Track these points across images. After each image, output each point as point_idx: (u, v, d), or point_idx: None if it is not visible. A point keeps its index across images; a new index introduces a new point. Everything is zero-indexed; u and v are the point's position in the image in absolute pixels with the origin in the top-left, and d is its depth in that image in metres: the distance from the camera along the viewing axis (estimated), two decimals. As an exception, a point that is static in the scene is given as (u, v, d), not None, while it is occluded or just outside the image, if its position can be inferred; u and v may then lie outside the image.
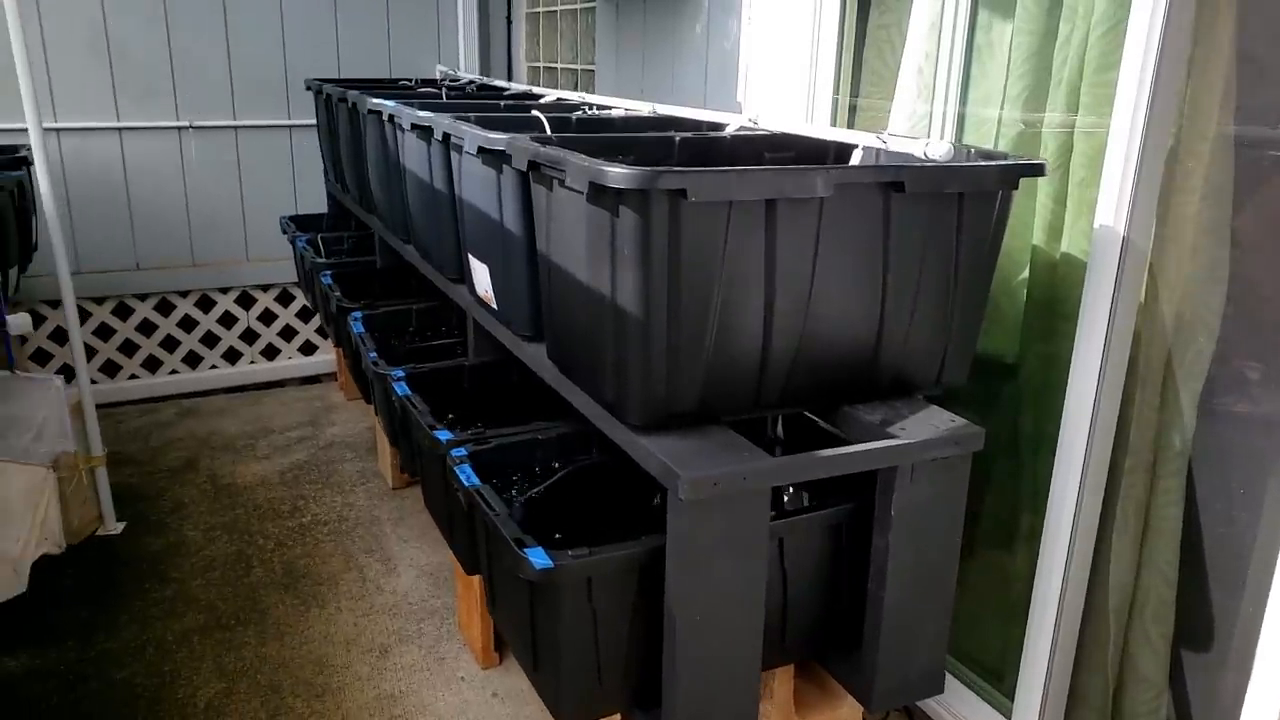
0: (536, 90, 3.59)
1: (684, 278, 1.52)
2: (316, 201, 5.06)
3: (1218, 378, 1.93)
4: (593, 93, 4.33)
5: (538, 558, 1.55)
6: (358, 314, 3.10)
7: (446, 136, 2.30)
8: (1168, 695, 2.04)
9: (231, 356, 5.22)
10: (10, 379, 2.95)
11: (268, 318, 5.27)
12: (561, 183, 1.66)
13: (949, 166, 1.65)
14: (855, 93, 2.81)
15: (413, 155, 2.69)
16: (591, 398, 1.79)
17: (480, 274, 2.30)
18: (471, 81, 4.41)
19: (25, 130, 4.14)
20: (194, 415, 4.81)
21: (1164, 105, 1.78)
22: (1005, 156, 1.81)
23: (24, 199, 3.65)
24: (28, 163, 3.70)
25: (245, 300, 5.20)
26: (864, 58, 2.77)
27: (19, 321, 2.99)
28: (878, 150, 1.92)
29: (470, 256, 2.35)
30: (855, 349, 1.71)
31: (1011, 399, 2.34)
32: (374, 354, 2.77)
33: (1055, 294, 2.15)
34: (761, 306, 1.59)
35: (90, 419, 3.51)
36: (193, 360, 5.12)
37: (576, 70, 4.73)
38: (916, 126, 2.48)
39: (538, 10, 5.18)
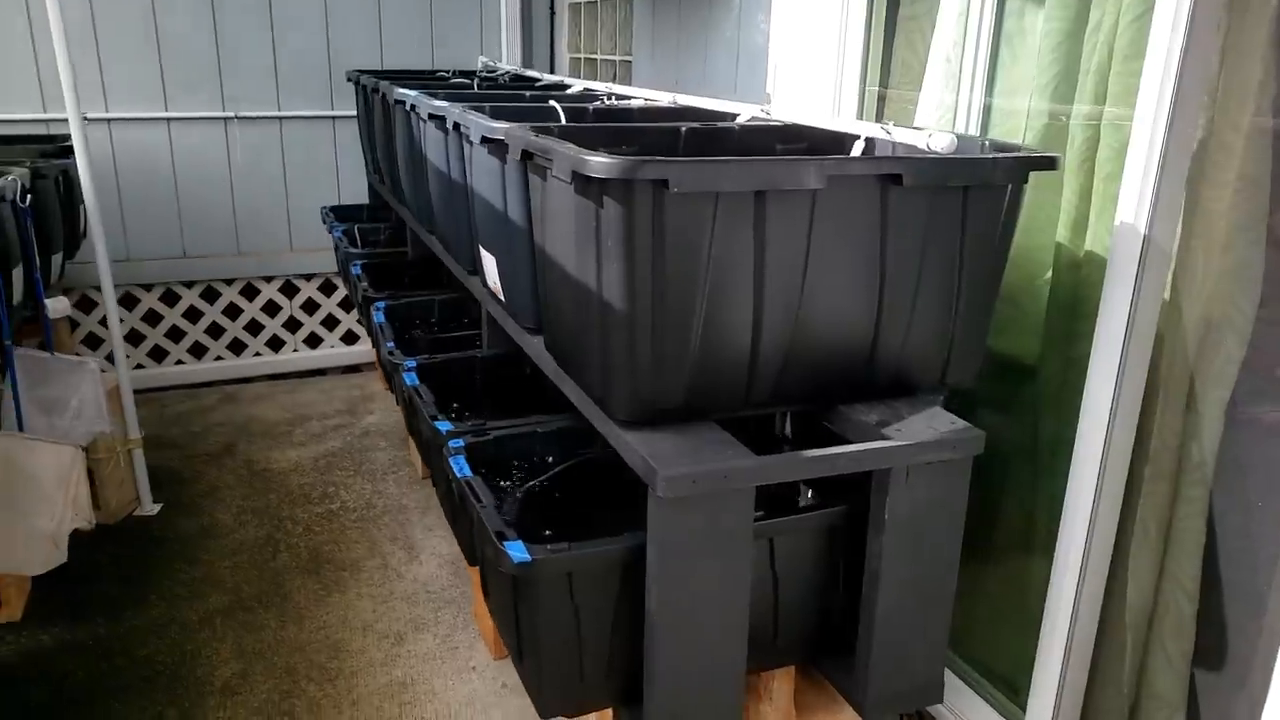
0: (567, 81, 3.57)
1: (668, 270, 1.49)
2: (359, 192, 5.11)
3: (1248, 384, 1.84)
4: (629, 84, 4.31)
5: (516, 551, 1.53)
6: (380, 304, 3.11)
7: (458, 126, 2.29)
8: (1183, 716, 1.95)
9: (275, 344, 5.30)
10: (49, 361, 3.01)
11: (310, 306, 5.34)
12: (553, 173, 1.64)
13: (950, 159, 1.59)
14: (885, 83, 2.74)
15: (432, 145, 2.69)
16: (584, 391, 1.76)
17: (489, 265, 2.28)
18: (506, 72, 4.40)
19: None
20: (235, 401, 4.89)
21: (1190, 95, 1.69)
22: (1018, 149, 1.73)
23: (70, 187, 3.73)
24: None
25: (289, 289, 5.27)
26: (894, 47, 2.70)
27: (58, 305, 3.05)
28: (881, 141, 1.85)
29: (480, 248, 2.34)
30: (851, 347, 1.66)
31: (1034, 401, 2.26)
32: (391, 344, 2.78)
33: (1078, 293, 2.07)
34: (750, 301, 1.55)
35: (128, 402, 3.58)
36: (237, 347, 5.21)
37: (615, 61, 4.70)
38: (944, 117, 2.42)
39: (580, 1, 5.16)
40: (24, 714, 2.55)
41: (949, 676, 2.43)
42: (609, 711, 1.86)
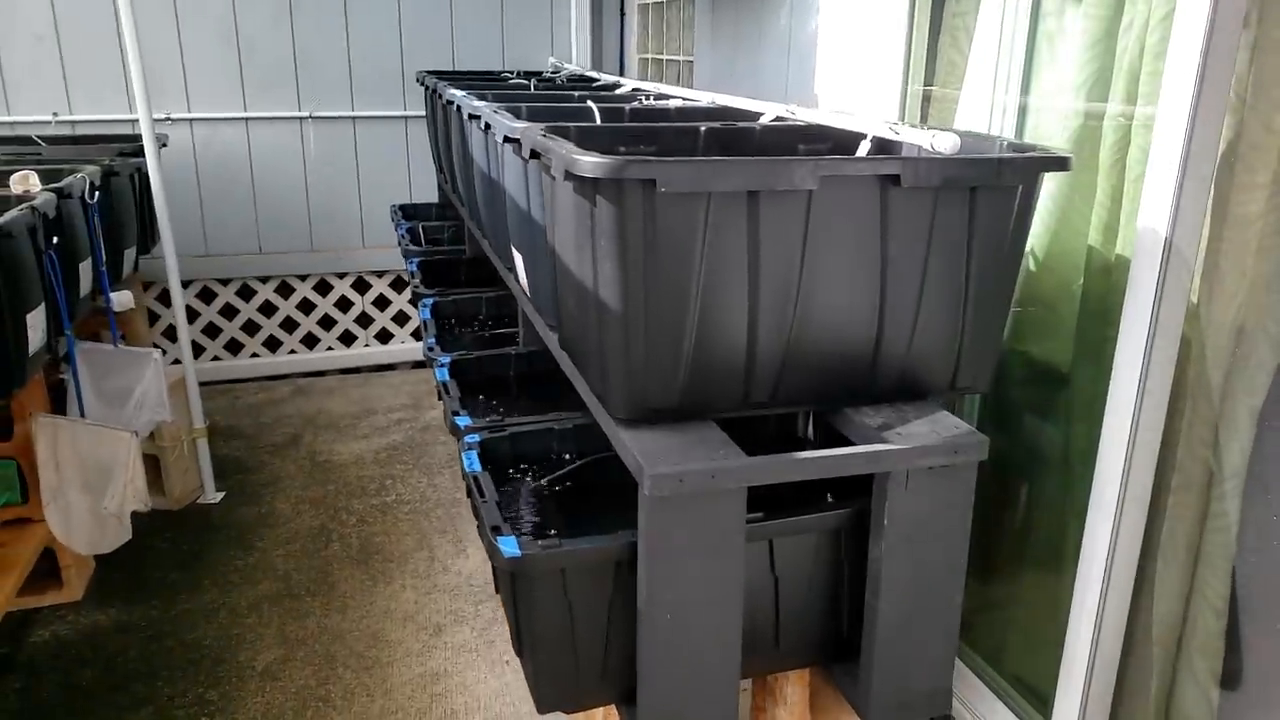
0: (622, 81, 3.59)
1: (661, 270, 1.49)
2: (430, 191, 5.22)
3: (1282, 393, 1.76)
4: (692, 84, 4.31)
5: (507, 546, 1.55)
6: (428, 300, 3.17)
7: (489, 126, 2.32)
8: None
9: (346, 339, 5.44)
10: (113, 352, 3.16)
11: (382, 303, 5.47)
12: (551, 172, 1.65)
13: (952, 159, 1.55)
14: (930, 82, 2.69)
15: (476, 144, 2.73)
16: (589, 389, 1.77)
17: (519, 263, 2.31)
18: (566, 73, 4.44)
19: (162, 119, 4.42)
20: (306, 394, 5.04)
21: (1213, 94, 1.62)
22: (1032, 149, 1.69)
23: (146, 184, 3.88)
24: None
25: (361, 285, 5.41)
26: (939, 46, 2.65)
27: (122, 298, 3.19)
28: (908, 143, 1.82)
29: (512, 246, 2.37)
30: (852, 348, 1.63)
31: (1067, 408, 2.20)
32: (432, 340, 2.84)
33: (1109, 298, 2.00)
34: (745, 302, 1.54)
35: (193, 394, 3.72)
36: (310, 341, 5.36)
37: (679, 62, 4.70)
38: (984, 117, 2.37)
39: (648, 2, 5.18)
40: (74, 691, 2.68)
41: (979, 687, 2.39)
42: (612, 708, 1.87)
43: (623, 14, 5.52)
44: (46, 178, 2.77)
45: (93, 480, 2.79)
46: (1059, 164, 1.62)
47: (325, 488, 3.93)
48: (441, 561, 3.37)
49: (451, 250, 4.03)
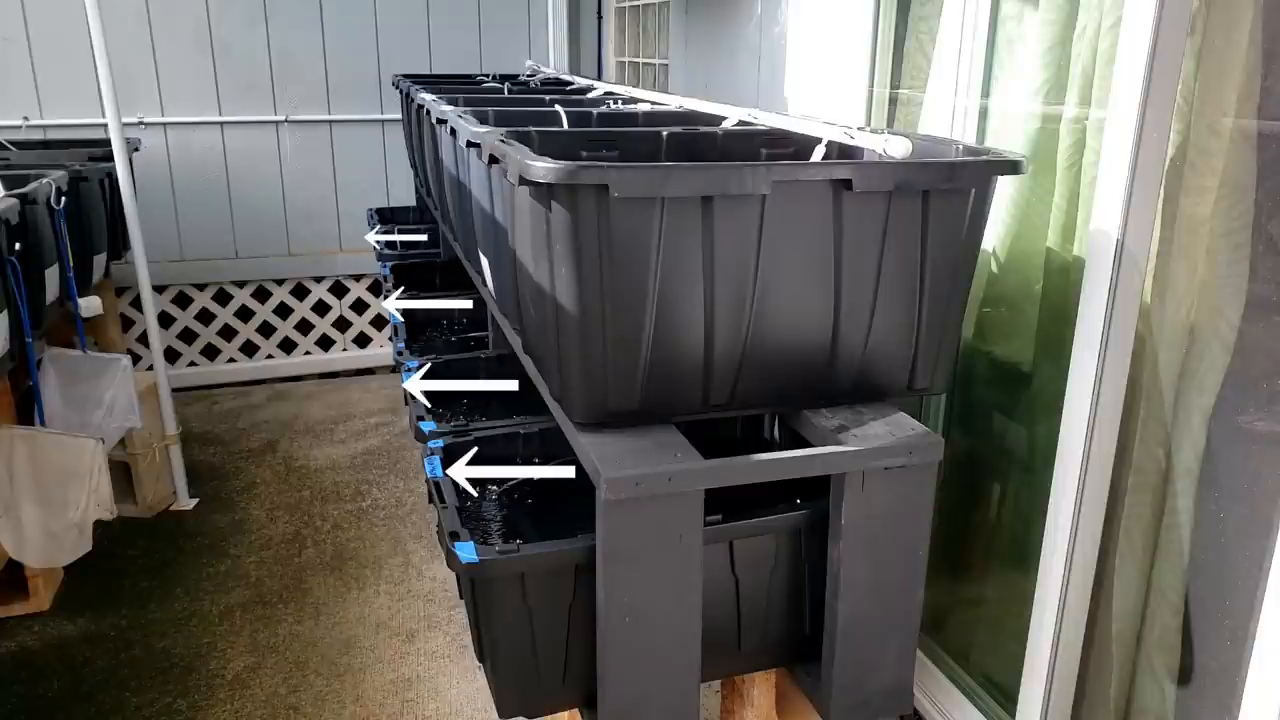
0: (595, 84, 3.60)
1: (616, 274, 1.50)
2: (408, 195, 5.22)
3: (1234, 391, 1.77)
4: (666, 88, 4.33)
5: (465, 552, 1.56)
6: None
7: (454, 130, 2.33)
8: (1169, 733, 1.89)
9: (324, 343, 5.43)
10: (83, 358, 3.14)
11: (360, 306, 5.46)
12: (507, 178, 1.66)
13: (903, 164, 1.56)
14: (896, 84, 2.71)
15: (445, 148, 2.74)
16: (550, 393, 1.78)
17: (486, 266, 2.32)
18: (542, 76, 4.45)
19: (134, 123, 4.38)
20: (283, 399, 5.03)
21: (1159, 98, 1.64)
22: (986, 153, 1.70)
23: (117, 189, 3.86)
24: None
25: (338, 289, 5.40)
26: (906, 50, 2.67)
27: (90, 304, 3.18)
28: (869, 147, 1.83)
29: (479, 249, 2.37)
30: (809, 351, 1.64)
31: (1031, 407, 2.22)
32: (401, 344, 2.84)
33: (1068, 300, 2.02)
34: (701, 306, 1.55)
35: (165, 400, 3.71)
36: (287, 346, 5.35)
37: (655, 65, 4.72)
38: (947, 119, 2.39)
39: (624, 6, 5.19)
40: (40, 702, 2.66)
41: (947, 685, 2.41)
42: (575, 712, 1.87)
43: (600, 17, 5.52)
44: (13, 183, 2.75)
45: (51, 491, 2.76)
46: (1011, 167, 1.63)
47: (300, 493, 3.92)
48: (416, 567, 3.37)
49: (424, 254, 4.03)
